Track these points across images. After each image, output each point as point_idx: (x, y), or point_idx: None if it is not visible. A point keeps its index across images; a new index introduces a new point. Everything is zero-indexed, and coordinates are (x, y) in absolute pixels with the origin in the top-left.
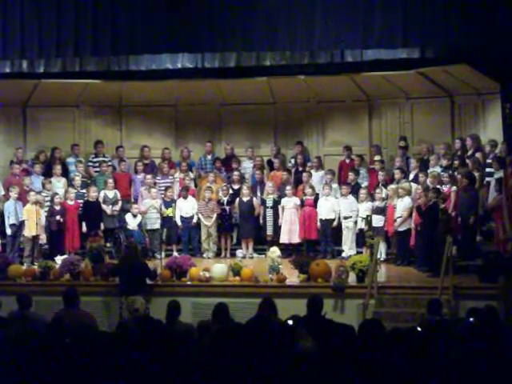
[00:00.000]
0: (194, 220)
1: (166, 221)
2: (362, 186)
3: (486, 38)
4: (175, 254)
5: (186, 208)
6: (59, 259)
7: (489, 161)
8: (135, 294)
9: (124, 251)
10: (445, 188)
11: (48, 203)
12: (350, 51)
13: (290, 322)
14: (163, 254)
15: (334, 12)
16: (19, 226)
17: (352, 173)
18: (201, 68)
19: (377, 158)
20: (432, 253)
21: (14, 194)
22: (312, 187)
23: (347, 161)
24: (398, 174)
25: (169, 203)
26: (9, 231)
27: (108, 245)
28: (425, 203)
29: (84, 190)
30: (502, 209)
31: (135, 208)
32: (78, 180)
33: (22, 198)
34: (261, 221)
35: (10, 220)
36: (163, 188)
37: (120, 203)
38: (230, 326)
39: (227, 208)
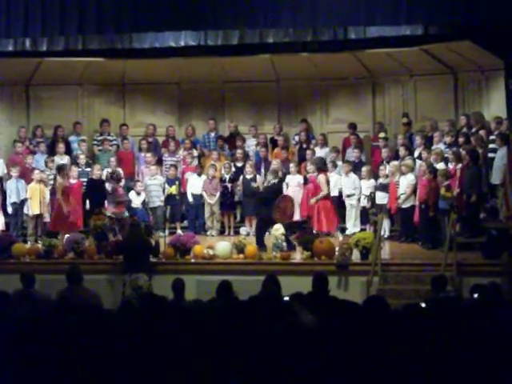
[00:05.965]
0: None
1: (170, 198)
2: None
3: (489, 14)
4: (179, 231)
5: (198, 185)
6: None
7: (493, 137)
8: (138, 272)
9: (127, 229)
10: (450, 165)
11: (51, 182)
12: (353, 28)
13: (286, 298)
14: (167, 231)
15: None
16: (20, 205)
17: (357, 150)
18: (204, 45)
19: (381, 135)
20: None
21: (14, 172)
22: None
23: (351, 138)
24: (402, 151)
25: (172, 181)
26: (10, 209)
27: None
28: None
29: (88, 169)
30: (505, 185)
31: (139, 186)
32: (82, 158)
33: (25, 177)
34: None
35: (11, 198)
36: (169, 166)
37: (123, 181)
38: (234, 303)
39: (229, 185)
